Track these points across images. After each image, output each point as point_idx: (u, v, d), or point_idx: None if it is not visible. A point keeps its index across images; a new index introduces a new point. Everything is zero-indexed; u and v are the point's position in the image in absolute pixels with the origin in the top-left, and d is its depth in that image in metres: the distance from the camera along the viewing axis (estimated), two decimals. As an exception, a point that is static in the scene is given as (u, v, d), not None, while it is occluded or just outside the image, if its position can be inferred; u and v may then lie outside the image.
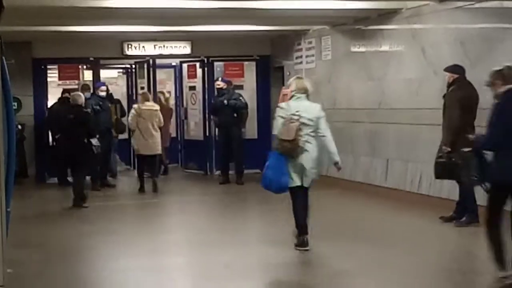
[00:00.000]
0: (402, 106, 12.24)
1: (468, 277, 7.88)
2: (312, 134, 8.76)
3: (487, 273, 7.87)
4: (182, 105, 18.27)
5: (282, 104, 9.05)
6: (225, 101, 14.98)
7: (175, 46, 17.25)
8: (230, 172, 15.32)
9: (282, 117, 8.76)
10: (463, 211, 9.93)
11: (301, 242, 8.70)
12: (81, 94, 13.37)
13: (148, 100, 14.63)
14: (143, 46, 17.14)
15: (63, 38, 15.69)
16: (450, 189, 10.55)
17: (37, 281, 7.74)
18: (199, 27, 14.80)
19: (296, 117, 8.64)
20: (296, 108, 8.73)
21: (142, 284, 7.64)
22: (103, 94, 15.06)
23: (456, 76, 9.97)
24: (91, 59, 17.01)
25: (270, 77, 17.55)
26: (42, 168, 16.28)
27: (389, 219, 11.00)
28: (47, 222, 11.51)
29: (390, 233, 9.92)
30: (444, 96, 10.04)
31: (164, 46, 17.21)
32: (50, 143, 16.01)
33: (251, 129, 16.73)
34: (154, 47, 17.16)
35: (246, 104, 15.47)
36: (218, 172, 16.23)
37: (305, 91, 8.95)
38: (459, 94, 9.82)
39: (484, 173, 7.14)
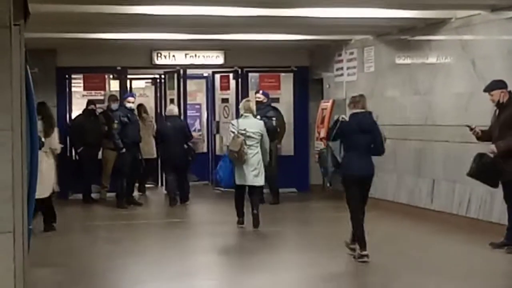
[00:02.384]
0: (450, 123, 12.19)
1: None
2: (256, 144, 12.20)
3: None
4: (214, 119, 18.33)
5: (233, 121, 12.76)
6: (258, 117, 14.23)
7: (207, 56, 17.34)
8: (264, 190, 15.29)
9: (233, 132, 12.21)
10: (515, 237, 9.89)
11: (239, 222, 12.38)
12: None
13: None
14: (173, 55, 17.27)
15: (89, 46, 15.85)
16: (501, 213, 10.50)
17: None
18: (233, 35, 14.87)
19: (242, 132, 12.08)
20: (243, 125, 12.21)
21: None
22: (131, 105, 15.16)
23: (508, 92, 9.91)
24: (118, 68, 17.14)
25: (309, 90, 17.59)
26: (65, 183, 16.39)
27: (434, 244, 10.95)
28: (69, 241, 11.60)
29: (435, 259, 9.86)
30: (497, 116, 9.96)
31: (195, 56, 17.31)
32: (74, 157, 16.15)
33: (287, 145, 16.73)
34: (185, 56, 17.28)
35: (276, 128, 14.90)
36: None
37: (251, 111, 12.46)
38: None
39: None
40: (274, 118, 15.02)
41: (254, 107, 12.71)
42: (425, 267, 9.26)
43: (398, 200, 13.73)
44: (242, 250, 11.05)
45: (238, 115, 17.01)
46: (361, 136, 9.79)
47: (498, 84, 9.97)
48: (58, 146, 12.10)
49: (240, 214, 12.44)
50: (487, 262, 9.57)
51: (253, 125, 12.32)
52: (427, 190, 12.89)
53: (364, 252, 9.43)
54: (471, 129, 10.07)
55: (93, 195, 15.78)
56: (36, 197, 11.52)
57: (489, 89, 9.99)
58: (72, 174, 15.89)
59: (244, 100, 13.23)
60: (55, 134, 11.90)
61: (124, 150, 14.74)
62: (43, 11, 10.04)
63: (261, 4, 11.00)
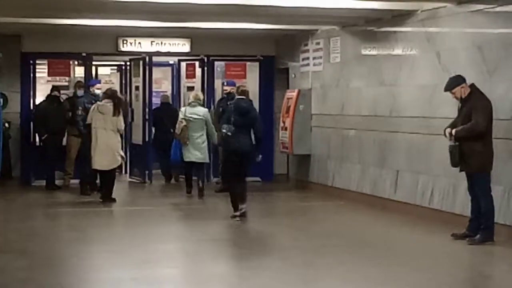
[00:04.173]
0: (415, 114, 12.25)
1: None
2: (200, 128, 14.42)
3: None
4: (179, 107, 18.26)
5: (182, 109, 15.15)
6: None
7: (173, 44, 17.29)
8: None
9: (180, 117, 14.47)
10: (477, 228, 9.93)
11: (188, 192, 14.81)
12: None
13: None
14: (139, 42, 17.20)
15: (55, 31, 15.75)
16: (463, 204, 10.56)
17: (20, 289, 7.76)
18: (200, 23, 14.85)
19: (187, 118, 14.34)
20: (189, 112, 14.46)
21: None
22: (99, 92, 15.08)
23: (470, 85, 9.97)
24: (83, 54, 17.03)
25: (274, 79, 17.60)
26: (28, 169, 16.29)
27: (397, 234, 11.01)
28: (32, 227, 11.52)
29: (397, 250, 9.92)
30: (460, 110, 10.02)
31: (161, 43, 17.25)
32: (37, 143, 16.03)
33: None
34: (151, 44, 17.20)
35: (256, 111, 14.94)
36: (216, 180, 16.30)
37: (199, 100, 14.74)
38: (485, 105, 9.81)
39: None
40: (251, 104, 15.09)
41: (201, 97, 15.14)
42: (386, 258, 9.30)
43: (362, 190, 13.78)
44: (206, 238, 11.02)
45: (204, 104, 17.22)
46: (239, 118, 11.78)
47: (456, 81, 10.00)
48: (122, 127, 13.93)
49: (189, 185, 14.79)
50: (448, 253, 9.62)
51: (198, 112, 14.47)
52: (391, 181, 12.95)
53: (236, 213, 11.84)
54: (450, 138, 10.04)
55: (57, 182, 15.68)
56: (105, 168, 13.73)
57: (449, 88, 10.03)
58: (36, 160, 15.79)
59: (194, 91, 15.87)
60: (121, 117, 13.82)
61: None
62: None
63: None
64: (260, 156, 12.30)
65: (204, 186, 14.60)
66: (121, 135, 14.50)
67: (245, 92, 12.23)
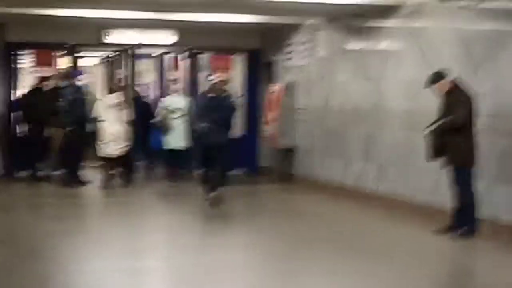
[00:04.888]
0: (399, 109, 12.30)
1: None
2: (180, 117, 15.45)
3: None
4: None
5: (162, 99, 16.47)
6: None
7: (158, 35, 17.25)
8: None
9: (161, 107, 15.76)
10: (460, 223, 10.00)
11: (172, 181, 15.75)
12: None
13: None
14: (123, 34, 17.12)
15: (39, 21, 15.67)
16: (446, 199, 10.62)
17: (4, 280, 7.73)
18: (185, 15, 14.82)
19: (167, 108, 15.58)
20: (170, 102, 15.78)
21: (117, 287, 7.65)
22: (81, 83, 15.11)
23: (452, 80, 10.05)
24: (67, 45, 16.99)
25: (259, 73, 17.61)
26: (11, 161, 16.25)
27: (380, 228, 11.06)
28: (14, 219, 11.51)
29: (381, 243, 9.96)
30: (444, 103, 10.07)
31: (146, 35, 17.20)
32: (19, 135, 15.95)
33: (236, 127, 16.64)
34: (136, 35, 17.15)
35: (235, 105, 15.09)
36: (198, 172, 16.30)
37: (177, 90, 16.12)
38: (466, 100, 9.90)
39: None
40: (232, 100, 15.08)
41: (179, 90, 16.34)
42: (369, 252, 9.34)
43: (345, 183, 13.83)
44: (191, 230, 11.05)
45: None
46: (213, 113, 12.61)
47: (437, 77, 10.08)
48: (128, 118, 14.99)
49: (170, 173, 15.94)
50: (431, 247, 9.68)
51: (177, 102, 15.72)
52: (374, 175, 13.00)
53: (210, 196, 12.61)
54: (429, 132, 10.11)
55: (40, 173, 15.65)
56: (114, 153, 14.62)
57: (430, 83, 10.12)
58: (19, 151, 15.75)
59: (174, 82, 16.88)
60: (127, 108, 15.03)
61: (72, 128, 14.65)
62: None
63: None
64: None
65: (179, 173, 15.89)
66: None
67: (219, 90, 12.86)
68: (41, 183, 15.26)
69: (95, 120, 14.92)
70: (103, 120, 14.75)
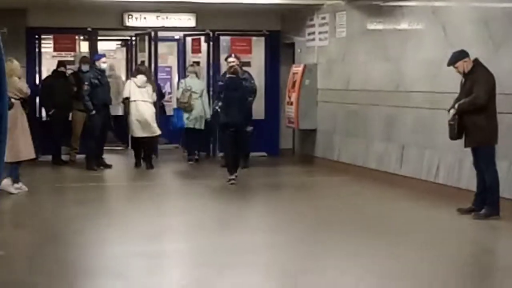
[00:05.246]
0: (421, 89, 12.23)
1: (483, 272, 7.95)
2: (198, 98, 15.81)
3: (504, 268, 7.93)
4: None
5: (182, 80, 16.58)
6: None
7: (179, 19, 17.23)
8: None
9: (182, 88, 15.94)
10: (483, 203, 9.96)
11: (190, 159, 15.94)
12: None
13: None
14: (145, 17, 17.09)
15: (60, 6, 15.71)
16: (469, 179, 10.58)
17: (27, 264, 7.79)
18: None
19: (188, 89, 15.77)
20: (189, 83, 15.89)
21: (141, 269, 7.66)
22: (104, 66, 15.15)
23: (473, 60, 9.98)
24: (89, 29, 17.01)
25: (280, 54, 17.57)
26: (34, 145, 16.26)
27: (402, 209, 11.05)
28: (38, 202, 11.56)
29: (403, 224, 9.97)
30: (464, 84, 10.02)
31: (167, 18, 17.17)
32: (43, 118, 16.02)
33: (258, 109, 16.66)
34: (157, 19, 17.11)
35: (256, 88, 15.25)
36: (221, 154, 16.27)
37: (196, 73, 16.22)
38: (488, 79, 9.84)
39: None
40: (253, 81, 15.12)
41: (198, 70, 16.51)
42: (392, 232, 9.35)
43: (368, 165, 13.80)
44: (211, 212, 11.07)
45: (209, 79, 17.22)
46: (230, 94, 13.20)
47: (460, 55, 10.01)
48: (155, 98, 15.29)
49: (191, 152, 16.03)
50: (454, 227, 9.67)
51: (196, 84, 15.99)
52: (397, 156, 12.96)
53: (231, 176, 12.95)
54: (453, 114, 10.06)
55: (63, 157, 15.71)
56: (145, 135, 14.86)
57: (452, 62, 10.03)
58: (42, 135, 15.80)
59: (189, 64, 16.94)
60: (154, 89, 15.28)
61: (94, 112, 14.68)
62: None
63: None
64: (251, 128, 13.94)
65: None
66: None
67: (236, 71, 13.50)
68: (65, 167, 15.32)
69: (126, 100, 15.13)
70: (133, 101, 14.90)
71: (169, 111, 17.76)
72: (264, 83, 17.31)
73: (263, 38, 17.62)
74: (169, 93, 19.05)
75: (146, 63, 17.16)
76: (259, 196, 12.79)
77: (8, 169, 11.51)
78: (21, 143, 11.59)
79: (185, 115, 15.79)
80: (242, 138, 13.50)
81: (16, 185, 11.82)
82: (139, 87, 15.00)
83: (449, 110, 10.06)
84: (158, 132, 15.17)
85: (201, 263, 8.09)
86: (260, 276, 7.49)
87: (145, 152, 15.20)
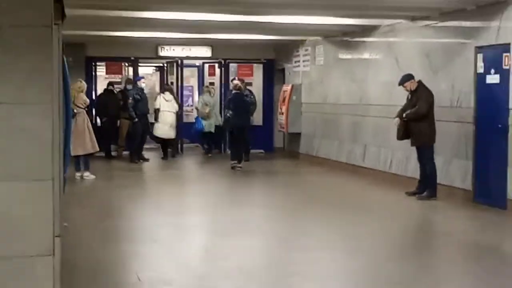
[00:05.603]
0: (379, 103, 12.24)
1: (424, 238, 7.98)
2: (212, 109, 16.19)
3: (440, 233, 7.95)
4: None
5: (200, 97, 16.97)
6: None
7: (199, 50, 17.25)
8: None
9: (201, 102, 16.44)
10: (424, 188, 9.99)
11: (206, 152, 16.29)
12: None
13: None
14: (173, 49, 17.12)
15: (110, 40, 15.73)
16: (414, 170, 10.60)
17: (90, 232, 7.81)
18: (218, 35, 14.83)
19: (207, 103, 16.19)
20: (206, 99, 16.34)
21: (170, 238, 7.68)
22: (143, 85, 15.29)
23: (417, 81, 10.01)
24: (132, 58, 17.08)
25: (274, 77, 17.57)
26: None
27: (365, 191, 11.06)
28: (95, 186, 11.59)
29: (365, 202, 9.98)
30: (410, 99, 10.02)
31: (190, 50, 17.20)
32: (98, 124, 16.01)
33: (257, 118, 16.72)
34: (182, 50, 17.14)
35: (255, 100, 15.68)
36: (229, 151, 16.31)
37: (209, 91, 16.55)
38: (428, 95, 9.86)
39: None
40: (252, 96, 15.56)
41: (211, 89, 16.74)
42: (356, 208, 9.36)
43: (339, 159, 13.81)
44: (222, 193, 11.07)
45: (221, 95, 17.21)
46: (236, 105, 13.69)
47: (407, 78, 10.05)
48: (177, 109, 15.39)
49: (207, 150, 16.34)
50: (403, 205, 9.68)
51: (210, 99, 16.40)
52: (360, 153, 12.98)
53: (238, 164, 13.35)
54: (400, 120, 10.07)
55: (113, 153, 15.74)
56: (167, 137, 15.17)
57: (401, 82, 10.08)
58: (97, 137, 15.73)
59: (205, 86, 17.27)
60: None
61: (136, 119, 14.72)
62: (76, 14, 9.92)
63: (240, 12, 10.96)
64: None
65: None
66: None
67: (240, 88, 13.99)
68: (114, 160, 15.34)
69: (157, 110, 15.17)
70: (162, 110, 15.09)
71: (191, 119, 17.76)
72: (262, 98, 17.32)
73: (261, 65, 17.64)
74: (191, 105, 19.04)
75: (174, 84, 17.20)
76: (258, 181, 12.80)
77: (82, 161, 11.87)
78: (88, 141, 11.77)
79: (204, 122, 16.08)
80: (245, 137, 13.94)
81: (86, 174, 11.97)
82: (166, 100, 15.14)
83: (395, 118, 10.11)
84: (173, 136, 15.29)
85: (214, 231, 8.12)
86: (261, 240, 7.51)
87: (167, 147, 15.46)
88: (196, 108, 16.80)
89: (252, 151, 15.44)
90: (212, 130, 16.20)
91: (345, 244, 7.26)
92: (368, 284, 5.84)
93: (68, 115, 6.25)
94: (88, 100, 12.27)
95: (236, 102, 13.70)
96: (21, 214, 4.02)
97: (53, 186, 4.09)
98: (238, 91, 13.89)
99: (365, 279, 5.99)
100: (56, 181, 4.20)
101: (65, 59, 5.81)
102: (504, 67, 9.02)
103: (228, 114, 13.85)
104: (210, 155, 16.18)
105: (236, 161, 13.51)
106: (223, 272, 6.09)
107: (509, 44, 8.95)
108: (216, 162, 15.26)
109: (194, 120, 16.84)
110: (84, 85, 12.31)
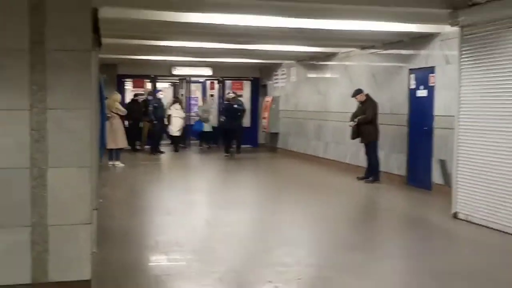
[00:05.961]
0: (337, 110, 12.28)
1: (370, 211, 7.99)
2: (211, 115, 15.97)
3: (382, 209, 7.98)
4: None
5: (200, 105, 16.87)
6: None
7: (202, 70, 17.17)
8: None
9: (202, 109, 16.25)
10: (370, 174, 10.02)
11: (203, 148, 15.98)
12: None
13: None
14: (183, 69, 17.00)
15: (136, 62, 15.65)
16: (363, 160, 10.64)
17: (119, 206, 7.78)
18: (217, 59, 14.78)
19: (207, 110, 16.10)
20: (204, 106, 16.28)
21: (181, 211, 7.65)
22: (161, 96, 15.24)
23: (365, 94, 10.05)
24: (152, 76, 16.97)
25: (259, 91, 17.55)
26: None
27: (326, 177, 11.06)
28: (124, 172, 11.53)
29: (326, 184, 9.98)
30: (360, 107, 10.04)
31: (195, 70, 17.09)
32: (126, 125, 15.88)
33: (246, 121, 16.66)
34: (190, 70, 17.02)
35: (244, 107, 15.34)
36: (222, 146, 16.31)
37: (206, 102, 16.53)
38: (373, 105, 9.90)
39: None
40: (243, 105, 15.21)
41: (208, 100, 16.89)
42: (318, 189, 9.35)
43: (307, 153, 13.83)
44: (225, 176, 11.05)
45: (219, 104, 17.15)
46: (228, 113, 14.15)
47: (358, 91, 10.10)
48: (184, 115, 15.28)
49: (206, 145, 16.24)
50: (354, 187, 9.70)
51: (208, 106, 16.47)
52: (323, 148, 13.00)
53: (227, 154, 13.76)
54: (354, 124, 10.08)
55: (137, 147, 15.65)
56: (176, 134, 15.16)
57: (353, 95, 10.12)
58: (126, 135, 15.68)
59: (203, 98, 17.24)
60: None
61: (155, 122, 14.66)
62: (110, 43, 9.89)
63: (234, 41, 10.94)
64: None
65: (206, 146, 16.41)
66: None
67: (230, 100, 14.25)
68: (138, 153, 15.26)
69: (169, 116, 15.12)
70: (173, 116, 15.12)
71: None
72: (250, 107, 17.30)
73: (249, 81, 17.61)
74: (196, 111, 18.99)
75: (184, 96, 17.14)
76: (246, 167, 12.77)
77: (114, 153, 11.82)
78: (119, 138, 11.75)
79: (204, 124, 16.20)
80: (236, 136, 14.32)
81: (117, 162, 11.90)
82: (176, 109, 15.20)
83: (349, 122, 10.12)
84: (178, 134, 15.29)
85: (213, 205, 8.11)
86: (249, 212, 7.49)
87: (178, 143, 15.50)
88: (199, 115, 16.67)
89: (242, 146, 15.42)
90: (209, 130, 16.30)
91: (311, 215, 7.26)
92: (330, 245, 5.86)
93: (103, 118, 6.22)
94: (122, 109, 12.19)
95: (227, 110, 14.21)
96: (68, 192, 4.00)
97: (90, 172, 4.08)
98: (229, 102, 14.31)
99: (328, 241, 6.00)
100: (93, 168, 4.19)
101: (101, 76, 5.79)
102: (430, 84, 9.08)
103: (221, 119, 14.38)
104: (208, 147, 16.30)
105: (226, 152, 14.13)
106: (220, 236, 6.08)
107: (433, 67, 9.00)
108: (214, 154, 15.24)
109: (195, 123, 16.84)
110: (119, 96, 12.34)
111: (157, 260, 5.18)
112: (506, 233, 6.19)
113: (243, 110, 15.21)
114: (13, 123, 3.89)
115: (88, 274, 4.01)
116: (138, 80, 17.21)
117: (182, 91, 17.54)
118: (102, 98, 6.01)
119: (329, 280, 4.61)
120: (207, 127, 16.36)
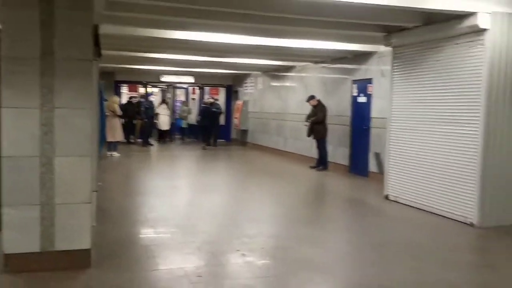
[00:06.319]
0: (295, 112, 12.33)
1: (320, 193, 8.04)
2: (189, 113, 15.83)
3: (330, 192, 8.07)
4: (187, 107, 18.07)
5: (180, 107, 16.42)
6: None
7: (186, 78, 17.01)
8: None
9: (182, 110, 16.04)
10: (320, 163, 10.10)
11: (184, 142, 15.84)
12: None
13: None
14: (170, 77, 16.84)
15: (131, 70, 15.38)
16: (315, 153, 10.71)
17: (115, 189, 7.66)
18: (198, 69, 14.65)
19: (187, 109, 15.98)
20: (184, 107, 15.96)
21: (167, 193, 7.57)
22: (152, 99, 15.13)
23: (317, 99, 10.13)
24: (144, 82, 16.72)
25: (232, 96, 17.49)
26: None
27: (284, 166, 11.09)
28: (120, 161, 11.34)
29: (284, 172, 10.00)
30: (313, 110, 10.13)
31: (181, 77, 16.95)
32: (122, 123, 15.61)
33: (222, 120, 16.60)
34: (176, 77, 16.87)
35: (221, 110, 15.38)
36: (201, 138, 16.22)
37: (186, 105, 16.28)
38: (323, 108, 9.98)
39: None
40: (220, 108, 15.17)
41: (187, 104, 16.65)
42: (276, 175, 9.37)
43: (270, 146, 13.85)
44: (203, 165, 10.97)
45: (199, 107, 17.02)
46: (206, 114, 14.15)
47: (311, 97, 10.16)
48: (169, 113, 15.21)
49: (187, 137, 16.17)
50: (307, 174, 9.75)
51: (186, 108, 16.33)
52: (283, 142, 13.04)
53: (206, 146, 13.82)
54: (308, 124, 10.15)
55: (131, 140, 15.41)
56: (164, 128, 15.24)
57: (308, 100, 10.18)
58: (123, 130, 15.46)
59: (183, 101, 16.92)
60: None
61: (146, 120, 14.47)
62: (109, 54, 9.71)
63: (211, 55, 10.85)
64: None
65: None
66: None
67: (208, 104, 14.28)
68: (132, 145, 15.03)
69: (157, 114, 15.03)
70: (161, 114, 15.09)
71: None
72: (225, 108, 17.24)
73: (224, 88, 17.53)
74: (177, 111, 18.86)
75: (171, 99, 16.95)
76: (221, 158, 12.72)
77: (112, 145, 11.58)
78: (117, 132, 11.59)
79: (183, 122, 16.37)
80: (213, 132, 14.41)
81: (114, 153, 11.71)
82: (163, 108, 15.16)
83: (305, 122, 10.18)
84: (166, 128, 15.36)
85: (194, 189, 8.06)
86: (222, 195, 7.44)
87: (164, 137, 15.51)
88: (179, 114, 16.88)
89: (218, 140, 15.37)
90: (187, 126, 16.51)
91: (272, 196, 7.27)
92: (288, 220, 5.90)
93: (103, 117, 6.12)
94: (119, 110, 12.01)
95: (204, 112, 14.38)
96: (72, 177, 3.96)
97: (90, 160, 4.03)
98: (206, 105, 14.45)
99: (286, 217, 6.04)
100: (93, 157, 4.13)
101: (100, 82, 5.69)
102: (368, 92, 9.21)
103: (197, 119, 14.81)
104: (189, 140, 16.45)
105: (204, 145, 14.28)
106: (199, 214, 6.06)
107: (371, 79, 9.13)
108: (192, 145, 15.13)
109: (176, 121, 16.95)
110: (117, 99, 12.30)
111: (146, 233, 5.15)
112: (426, 211, 6.37)
113: (220, 113, 15.17)
114: (26, 119, 3.85)
115: (88, 244, 3.99)
116: (133, 85, 16.94)
117: (169, 95, 17.36)
118: (101, 101, 5.91)
119: (287, 249, 4.67)
120: (184, 124, 16.56)
